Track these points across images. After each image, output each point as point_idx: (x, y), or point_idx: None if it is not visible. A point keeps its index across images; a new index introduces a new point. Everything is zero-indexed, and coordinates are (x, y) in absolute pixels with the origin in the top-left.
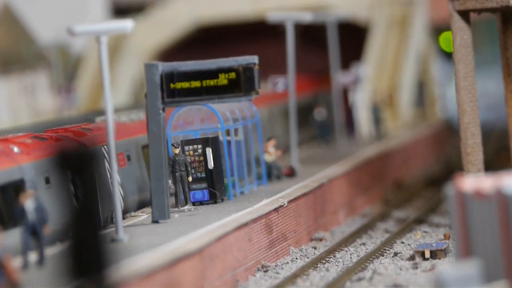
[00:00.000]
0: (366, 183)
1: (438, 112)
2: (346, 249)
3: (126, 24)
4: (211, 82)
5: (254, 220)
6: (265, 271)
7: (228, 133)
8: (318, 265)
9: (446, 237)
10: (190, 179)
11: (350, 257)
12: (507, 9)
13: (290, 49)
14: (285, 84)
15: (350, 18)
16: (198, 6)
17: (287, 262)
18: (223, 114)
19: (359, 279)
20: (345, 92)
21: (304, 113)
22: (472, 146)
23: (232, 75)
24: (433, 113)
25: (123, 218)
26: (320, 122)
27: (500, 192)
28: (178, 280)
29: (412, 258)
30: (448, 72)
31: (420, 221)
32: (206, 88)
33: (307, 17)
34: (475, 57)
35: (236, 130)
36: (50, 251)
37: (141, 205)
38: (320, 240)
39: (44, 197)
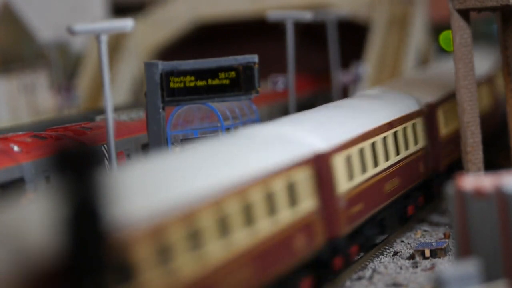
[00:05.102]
0: None
1: None
2: None
3: (126, 23)
4: (211, 81)
5: None
6: None
7: (228, 131)
8: None
9: (446, 236)
10: None
11: None
12: (507, 8)
13: (290, 48)
14: (285, 83)
15: (350, 17)
16: (198, 5)
17: None
18: (223, 113)
19: (359, 278)
20: (345, 91)
21: None
22: (472, 145)
23: (232, 74)
24: None
25: None
26: None
27: (500, 191)
28: None
29: (412, 257)
30: None
31: (420, 220)
32: (206, 87)
33: (307, 16)
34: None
35: (236, 129)
36: None
37: None
38: None
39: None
